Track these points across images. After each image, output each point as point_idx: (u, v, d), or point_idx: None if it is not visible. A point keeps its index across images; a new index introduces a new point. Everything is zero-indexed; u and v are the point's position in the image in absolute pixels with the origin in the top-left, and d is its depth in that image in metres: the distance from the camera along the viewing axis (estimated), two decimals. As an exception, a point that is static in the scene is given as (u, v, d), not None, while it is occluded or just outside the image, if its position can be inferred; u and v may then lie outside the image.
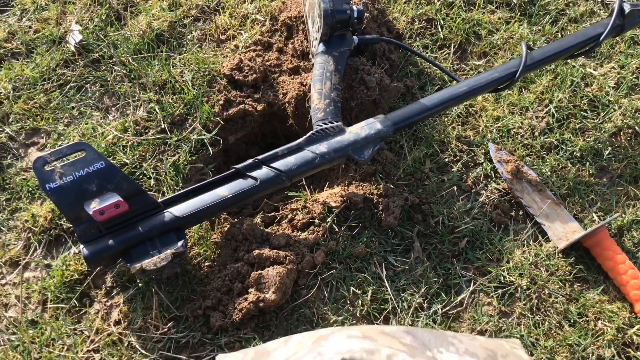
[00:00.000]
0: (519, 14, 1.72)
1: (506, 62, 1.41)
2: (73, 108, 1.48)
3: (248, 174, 1.20)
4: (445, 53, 1.64)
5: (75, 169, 1.12)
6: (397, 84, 1.46)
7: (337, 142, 1.25)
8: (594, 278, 1.31)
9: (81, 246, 1.14)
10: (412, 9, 1.68)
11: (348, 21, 1.33)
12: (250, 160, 1.21)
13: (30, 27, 1.62)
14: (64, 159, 1.14)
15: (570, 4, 1.75)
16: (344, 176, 1.43)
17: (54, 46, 1.57)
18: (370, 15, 1.50)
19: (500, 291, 1.28)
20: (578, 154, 1.48)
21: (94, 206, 1.10)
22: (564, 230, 1.35)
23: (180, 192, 1.21)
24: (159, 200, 1.19)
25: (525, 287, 1.28)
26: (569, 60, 1.61)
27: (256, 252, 1.21)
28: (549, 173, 1.44)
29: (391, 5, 1.69)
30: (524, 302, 1.27)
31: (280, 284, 1.16)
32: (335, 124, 1.27)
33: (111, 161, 1.16)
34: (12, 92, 1.49)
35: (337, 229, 1.31)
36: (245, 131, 1.51)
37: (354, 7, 1.34)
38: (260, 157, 1.21)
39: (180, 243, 1.14)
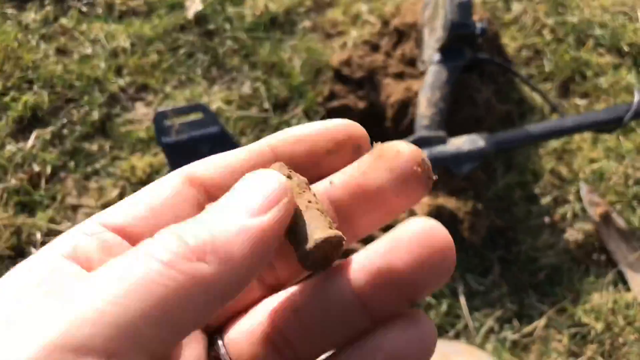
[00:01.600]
0: (630, 61, 1.70)
1: (615, 106, 1.40)
2: (182, 73, 1.53)
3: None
4: (548, 87, 1.63)
5: (192, 128, 1.16)
6: (500, 107, 1.47)
7: (439, 151, 1.26)
8: (672, 337, 1.28)
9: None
10: (522, 37, 1.68)
11: (470, 36, 1.35)
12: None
13: (153, -11, 1.69)
14: (182, 117, 1.18)
15: (682, 61, 1.73)
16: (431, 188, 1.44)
17: (173, 11, 1.63)
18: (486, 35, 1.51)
19: (572, 329, 1.27)
20: (670, 211, 1.45)
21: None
22: (647, 283, 1.33)
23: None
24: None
25: (599, 331, 1.26)
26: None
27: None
28: (637, 224, 1.42)
29: (502, 30, 1.70)
30: (596, 346, 1.25)
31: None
32: (439, 133, 1.28)
33: (225, 128, 1.20)
34: (129, 47, 1.55)
35: (419, 237, 1.31)
36: (342, 125, 1.53)
37: (478, 24, 1.35)
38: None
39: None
